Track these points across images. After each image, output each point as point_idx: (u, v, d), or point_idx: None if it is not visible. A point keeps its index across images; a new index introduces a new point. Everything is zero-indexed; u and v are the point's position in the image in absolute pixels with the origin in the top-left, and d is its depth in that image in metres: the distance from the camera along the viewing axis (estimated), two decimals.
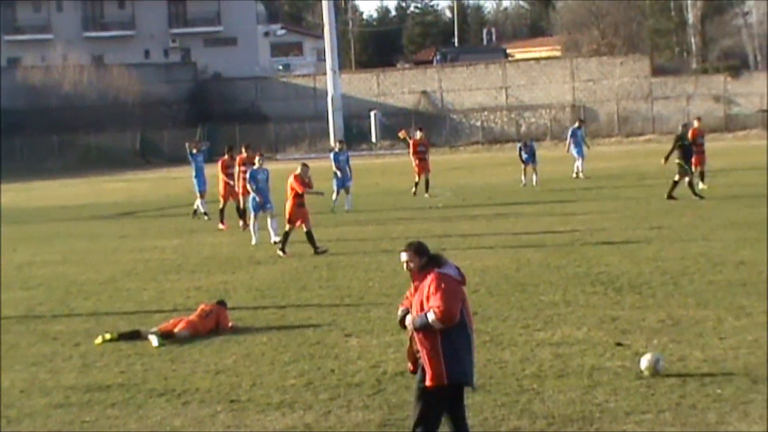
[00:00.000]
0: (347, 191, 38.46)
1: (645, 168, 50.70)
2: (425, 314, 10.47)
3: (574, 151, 47.04)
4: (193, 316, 18.30)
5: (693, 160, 37.21)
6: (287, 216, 27.47)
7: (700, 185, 37.33)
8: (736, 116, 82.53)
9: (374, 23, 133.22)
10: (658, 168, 50.06)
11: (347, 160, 38.97)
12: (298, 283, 22.80)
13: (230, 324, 18.43)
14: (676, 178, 35.61)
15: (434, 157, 43.05)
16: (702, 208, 32.50)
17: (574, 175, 46.19)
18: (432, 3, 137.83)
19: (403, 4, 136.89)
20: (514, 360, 15.38)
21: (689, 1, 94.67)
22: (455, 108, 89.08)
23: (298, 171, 27.89)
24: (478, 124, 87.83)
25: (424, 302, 10.53)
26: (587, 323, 17.37)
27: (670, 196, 35.19)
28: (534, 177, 44.63)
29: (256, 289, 22.37)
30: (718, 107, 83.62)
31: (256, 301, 21.12)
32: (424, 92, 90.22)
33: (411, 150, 42.87)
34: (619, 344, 15.84)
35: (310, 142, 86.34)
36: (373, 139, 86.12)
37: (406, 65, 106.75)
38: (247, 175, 30.48)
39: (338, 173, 38.39)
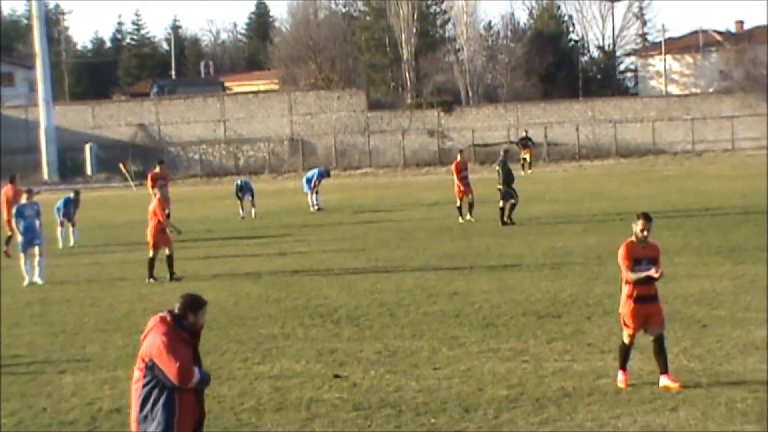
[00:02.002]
0: (73, 225, 37.57)
1: (362, 200, 51.43)
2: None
3: (306, 187, 47.39)
4: None
5: (458, 191, 38.30)
6: (151, 242, 26.95)
7: (468, 216, 37.96)
8: (449, 150, 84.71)
9: (89, 54, 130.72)
10: (375, 200, 50.91)
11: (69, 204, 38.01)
12: (10, 320, 22.05)
13: None
14: (501, 204, 36.29)
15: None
16: (416, 240, 33.16)
17: (311, 208, 46.30)
18: (148, 35, 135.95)
19: (119, 36, 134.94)
20: (232, 394, 15.27)
21: (404, 38, 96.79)
22: (173, 141, 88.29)
23: (159, 195, 27.40)
24: (197, 157, 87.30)
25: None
26: (306, 356, 17.42)
27: (503, 222, 35.87)
28: (253, 210, 44.69)
29: None
30: (432, 141, 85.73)
31: None
32: (141, 125, 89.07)
33: (150, 183, 41.78)
34: (336, 376, 15.94)
35: (22, 174, 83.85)
36: (89, 172, 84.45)
37: (123, 97, 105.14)
38: (14, 211, 28.61)
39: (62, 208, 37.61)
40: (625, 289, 14.79)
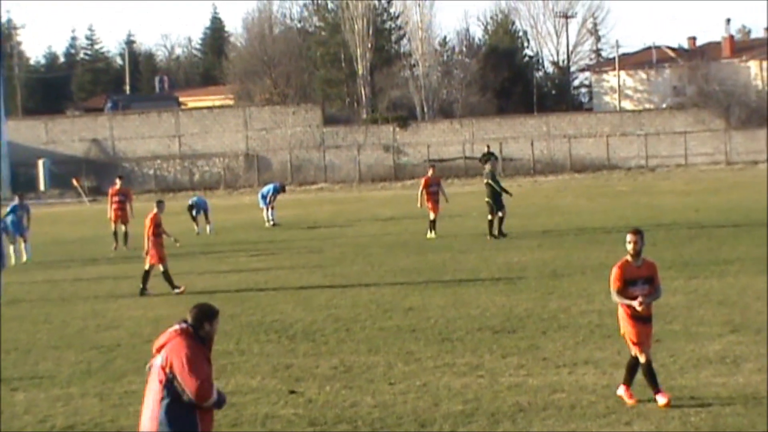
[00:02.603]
0: (25, 240, 37.27)
1: (317, 216, 51.39)
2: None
3: (261, 202, 47.45)
4: None
5: (429, 206, 37.95)
6: (156, 256, 26.85)
7: (429, 234, 37.48)
8: (404, 166, 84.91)
9: (42, 69, 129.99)
10: (330, 216, 50.88)
11: (18, 211, 37.63)
12: None
13: None
14: (489, 217, 36.37)
15: (105, 206, 42.25)
16: (372, 255, 33.15)
17: (267, 224, 46.31)
18: (102, 49, 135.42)
19: (73, 50, 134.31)
20: None
21: (359, 53, 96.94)
22: (127, 156, 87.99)
23: (155, 210, 27.18)
24: (151, 172, 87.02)
25: None
26: (261, 372, 17.36)
27: (491, 234, 36.06)
28: (208, 226, 44.56)
29: None
30: (388, 157, 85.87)
31: None
32: (95, 140, 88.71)
33: (110, 199, 41.23)
34: (292, 392, 15.89)
35: None
36: (42, 188, 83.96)
37: (76, 112, 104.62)
38: None
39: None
40: (621, 309, 14.44)
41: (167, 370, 9.67)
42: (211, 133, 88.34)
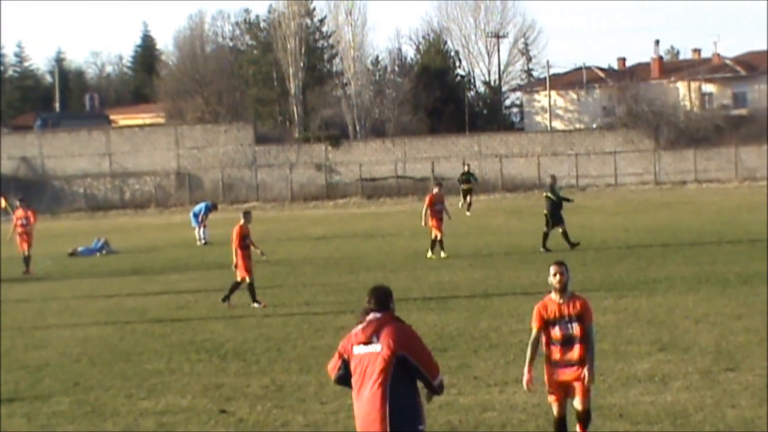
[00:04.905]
0: None
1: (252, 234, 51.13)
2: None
3: (193, 221, 47.54)
4: None
5: (433, 225, 36.43)
6: (242, 266, 26.57)
7: (442, 254, 36.08)
8: (336, 185, 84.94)
9: None
10: (262, 234, 50.69)
11: None
12: None
13: None
14: (545, 229, 36.58)
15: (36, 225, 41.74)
16: (303, 275, 33.10)
17: (198, 242, 46.29)
18: (32, 66, 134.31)
19: (1, 68, 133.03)
20: (117, 430, 15.07)
21: (291, 72, 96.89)
22: (57, 174, 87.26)
23: (242, 221, 26.91)
24: (81, 190, 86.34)
25: None
26: (192, 391, 17.27)
27: (545, 247, 36.04)
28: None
29: None
30: (320, 176, 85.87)
31: None
32: (23, 158, 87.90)
33: (15, 222, 40.08)
34: (223, 411, 15.83)
35: None
36: None
37: (5, 130, 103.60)
38: None
39: None
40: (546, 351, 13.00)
41: (398, 353, 9.81)
42: (142, 151, 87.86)
